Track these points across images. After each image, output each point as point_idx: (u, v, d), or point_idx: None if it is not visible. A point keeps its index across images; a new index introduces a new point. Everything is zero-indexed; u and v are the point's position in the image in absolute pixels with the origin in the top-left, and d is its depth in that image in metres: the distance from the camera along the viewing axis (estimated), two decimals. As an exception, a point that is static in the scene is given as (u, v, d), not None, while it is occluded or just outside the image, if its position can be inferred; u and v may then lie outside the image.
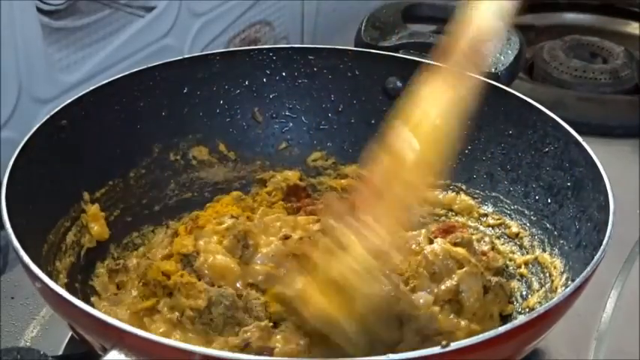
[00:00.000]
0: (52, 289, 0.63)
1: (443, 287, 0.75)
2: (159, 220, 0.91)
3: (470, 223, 0.90)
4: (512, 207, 0.88)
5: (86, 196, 0.85)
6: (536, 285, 0.81)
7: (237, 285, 0.77)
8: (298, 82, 0.97)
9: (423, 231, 0.82)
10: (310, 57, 0.97)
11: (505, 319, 0.78)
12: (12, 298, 0.86)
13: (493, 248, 0.85)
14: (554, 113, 0.84)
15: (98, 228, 0.85)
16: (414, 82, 0.75)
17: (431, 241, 0.80)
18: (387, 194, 0.70)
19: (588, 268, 0.65)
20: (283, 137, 0.98)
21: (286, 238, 0.79)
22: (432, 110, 0.71)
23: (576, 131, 0.82)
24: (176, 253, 0.80)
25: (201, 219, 0.86)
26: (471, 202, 0.91)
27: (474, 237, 0.84)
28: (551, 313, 0.63)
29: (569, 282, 0.72)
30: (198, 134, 0.95)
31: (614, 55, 1.29)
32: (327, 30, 1.44)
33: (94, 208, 0.85)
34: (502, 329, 0.60)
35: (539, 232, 0.83)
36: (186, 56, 0.95)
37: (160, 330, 0.73)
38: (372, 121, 0.96)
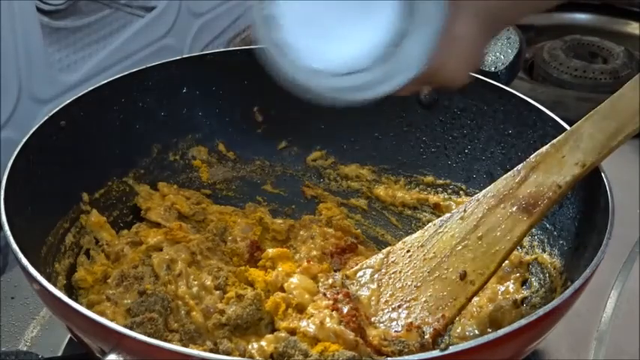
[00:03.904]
0: (50, 292, 0.63)
1: None
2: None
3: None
4: (512, 207, 0.87)
5: (85, 196, 0.85)
6: (536, 285, 0.80)
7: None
8: (298, 81, 0.97)
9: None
10: (310, 56, 0.96)
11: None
12: (12, 298, 0.86)
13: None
14: (554, 113, 0.84)
15: (107, 235, 0.85)
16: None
17: None
18: None
19: (588, 270, 0.65)
20: (283, 137, 0.98)
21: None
22: None
23: (576, 131, 0.82)
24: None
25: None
26: (471, 202, 0.91)
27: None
28: (550, 315, 0.63)
29: (569, 283, 0.72)
30: (197, 134, 0.95)
31: (614, 55, 1.29)
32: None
33: (96, 216, 0.85)
34: (501, 332, 0.60)
35: (539, 232, 0.83)
36: (186, 56, 0.95)
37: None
38: (372, 120, 0.96)
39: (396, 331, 0.73)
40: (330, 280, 0.78)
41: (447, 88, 0.67)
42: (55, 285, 0.65)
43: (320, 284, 0.78)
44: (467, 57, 0.65)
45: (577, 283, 0.64)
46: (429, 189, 0.94)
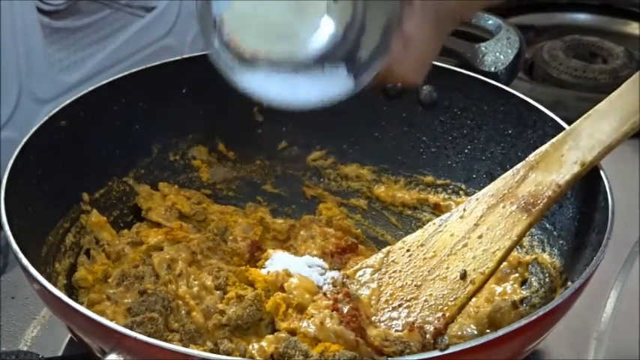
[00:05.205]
0: (50, 292, 0.63)
1: None
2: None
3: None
4: (512, 207, 0.87)
5: (85, 196, 0.85)
6: (535, 285, 0.80)
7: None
8: (298, 81, 0.97)
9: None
10: (310, 56, 0.96)
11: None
12: (12, 298, 0.86)
13: None
14: (554, 113, 0.84)
15: (107, 234, 0.86)
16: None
17: None
18: None
19: (588, 270, 0.65)
20: (283, 137, 0.98)
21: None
22: None
23: (576, 131, 0.82)
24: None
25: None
26: (471, 202, 0.91)
27: None
28: (550, 315, 0.63)
29: (569, 282, 0.72)
30: (197, 134, 0.95)
31: (614, 55, 1.29)
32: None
33: (96, 216, 0.85)
34: (501, 332, 0.60)
35: (539, 232, 0.83)
36: (186, 56, 0.95)
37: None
38: (372, 121, 0.96)
39: (397, 331, 0.73)
40: (330, 280, 0.78)
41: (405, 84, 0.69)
42: (55, 285, 0.66)
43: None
44: (420, 57, 0.67)
45: (577, 283, 0.65)
46: (429, 189, 0.94)
